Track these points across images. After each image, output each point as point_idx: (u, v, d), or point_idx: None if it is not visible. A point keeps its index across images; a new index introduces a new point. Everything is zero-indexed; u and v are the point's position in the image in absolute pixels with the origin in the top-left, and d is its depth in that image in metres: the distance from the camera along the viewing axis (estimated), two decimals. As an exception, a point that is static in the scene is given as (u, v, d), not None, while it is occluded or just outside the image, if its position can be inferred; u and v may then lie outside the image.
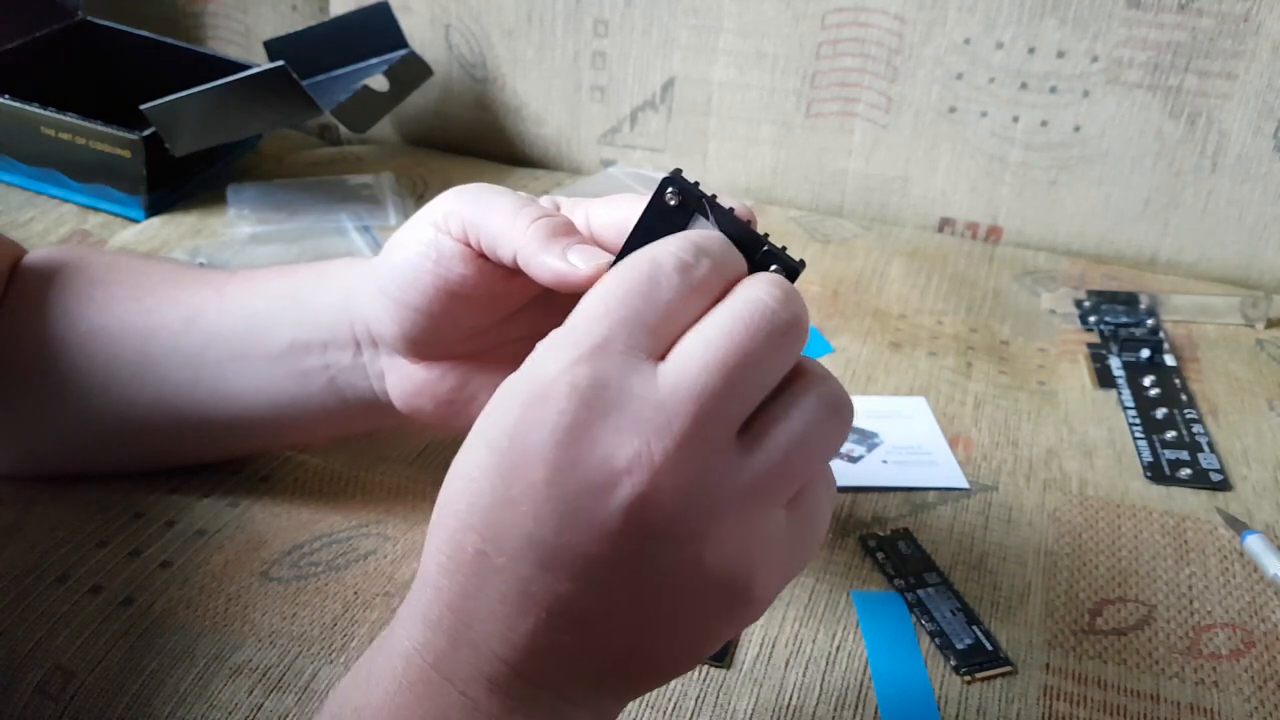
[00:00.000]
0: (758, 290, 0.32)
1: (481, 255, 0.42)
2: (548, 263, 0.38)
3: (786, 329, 0.32)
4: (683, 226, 0.36)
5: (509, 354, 0.46)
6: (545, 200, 0.42)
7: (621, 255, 0.36)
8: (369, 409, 0.49)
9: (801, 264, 0.35)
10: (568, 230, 0.39)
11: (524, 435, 0.31)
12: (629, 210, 0.38)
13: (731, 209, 0.36)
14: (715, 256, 0.33)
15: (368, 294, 0.45)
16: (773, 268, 0.35)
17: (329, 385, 0.48)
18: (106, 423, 0.51)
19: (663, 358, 0.32)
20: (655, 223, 0.36)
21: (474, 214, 0.41)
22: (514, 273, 0.41)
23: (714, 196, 0.37)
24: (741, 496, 0.31)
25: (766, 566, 0.33)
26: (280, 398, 0.49)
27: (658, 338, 0.32)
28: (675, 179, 0.36)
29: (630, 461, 0.30)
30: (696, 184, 0.36)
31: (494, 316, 0.45)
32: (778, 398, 0.32)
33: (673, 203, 0.36)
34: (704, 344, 0.31)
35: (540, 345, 0.32)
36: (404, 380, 0.47)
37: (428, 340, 0.45)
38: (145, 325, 0.50)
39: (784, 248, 0.36)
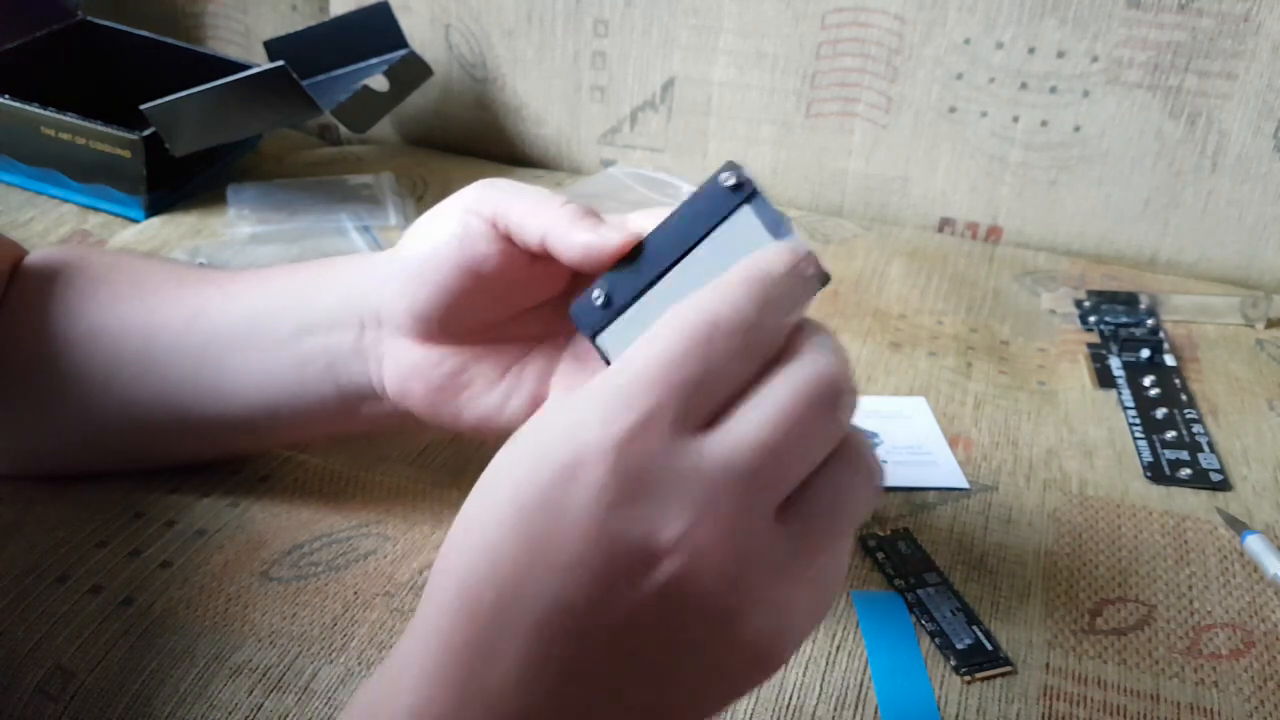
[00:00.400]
0: (819, 361, 0.31)
1: (507, 240, 0.42)
2: (577, 237, 0.38)
3: (843, 405, 0.31)
4: (726, 216, 0.36)
5: (513, 352, 0.46)
6: None
7: (659, 233, 0.37)
8: (362, 399, 0.49)
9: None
10: (596, 215, 0.40)
11: (559, 501, 0.29)
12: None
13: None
14: (778, 305, 0.31)
15: (384, 273, 0.46)
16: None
17: (326, 372, 0.48)
18: (107, 421, 0.51)
19: (711, 423, 0.30)
20: (703, 205, 0.37)
21: (504, 198, 0.42)
22: (536, 261, 0.42)
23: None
24: (779, 571, 0.31)
25: (792, 630, 0.32)
26: (277, 387, 0.49)
27: (712, 408, 0.30)
28: (736, 165, 0.36)
29: (673, 543, 0.29)
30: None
31: (507, 309, 0.46)
32: (821, 470, 0.31)
33: (728, 183, 0.36)
34: (759, 423, 0.30)
35: (579, 400, 0.30)
36: (402, 361, 0.47)
37: (437, 320, 0.45)
38: (148, 323, 0.50)
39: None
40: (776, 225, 0.37)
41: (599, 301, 0.38)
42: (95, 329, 0.50)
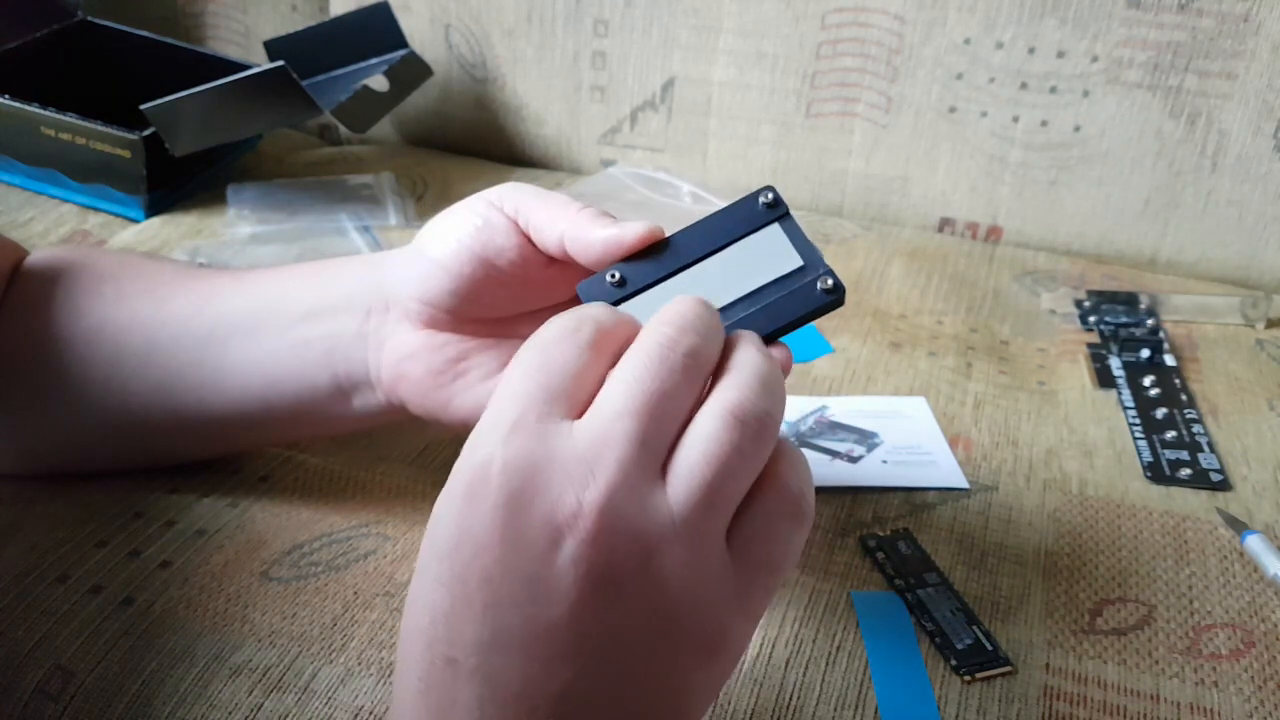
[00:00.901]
0: (656, 332, 0.34)
1: (527, 238, 0.43)
2: (597, 233, 0.40)
3: (687, 359, 0.33)
4: (755, 229, 0.40)
5: (515, 348, 0.46)
6: None
7: (684, 234, 0.40)
8: (356, 388, 0.49)
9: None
10: (615, 218, 0.41)
11: (467, 528, 0.32)
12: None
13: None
14: (599, 319, 0.35)
15: (400, 260, 0.47)
16: (830, 281, 0.40)
17: (324, 358, 0.48)
18: (106, 418, 0.51)
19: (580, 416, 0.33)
20: (734, 216, 0.41)
21: (527, 199, 0.43)
22: (553, 264, 0.43)
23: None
24: (679, 533, 0.32)
25: (730, 606, 0.33)
26: (274, 374, 0.49)
27: (571, 401, 0.33)
28: (774, 189, 0.41)
29: (568, 516, 0.31)
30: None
31: (517, 306, 0.46)
32: (691, 431, 0.33)
33: (765, 200, 0.40)
34: (612, 394, 0.33)
35: (468, 441, 0.33)
36: (403, 344, 0.47)
37: (446, 307, 0.45)
38: (156, 314, 0.51)
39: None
40: (805, 246, 0.39)
41: (612, 280, 0.39)
42: (100, 323, 0.51)
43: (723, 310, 0.39)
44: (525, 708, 0.31)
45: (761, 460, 0.33)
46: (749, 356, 0.35)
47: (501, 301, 0.46)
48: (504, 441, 0.32)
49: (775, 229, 0.40)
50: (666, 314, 0.35)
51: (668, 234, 0.41)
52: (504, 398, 0.33)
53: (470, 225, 0.44)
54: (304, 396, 0.50)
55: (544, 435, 0.32)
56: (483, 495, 0.31)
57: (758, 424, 0.33)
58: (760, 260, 0.40)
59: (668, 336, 0.34)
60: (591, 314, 0.35)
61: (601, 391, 0.33)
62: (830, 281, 0.40)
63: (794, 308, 0.40)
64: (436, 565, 0.32)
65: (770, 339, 0.39)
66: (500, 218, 0.44)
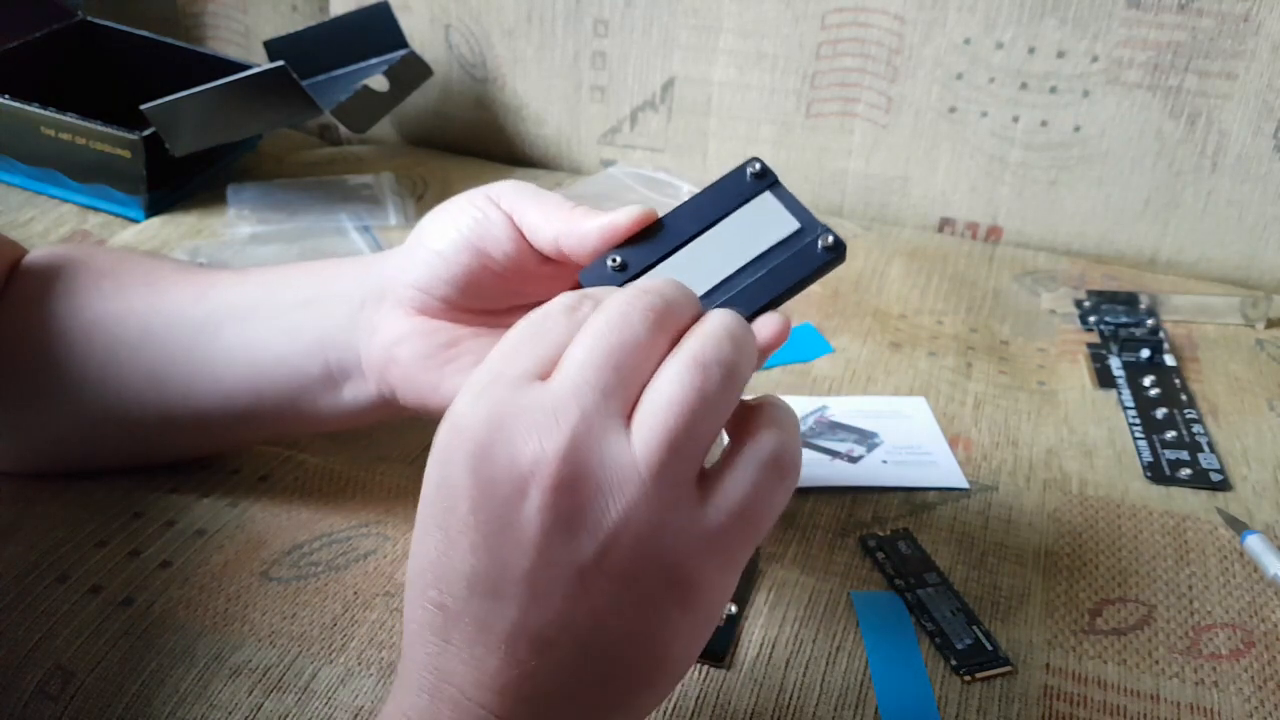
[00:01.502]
0: (620, 293, 0.36)
1: (522, 234, 0.44)
2: (590, 224, 0.41)
3: (650, 313, 0.35)
4: (747, 199, 0.41)
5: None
6: None
7: (677, 213, 0.40)
8: (347, 377, 0.48)
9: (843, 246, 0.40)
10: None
11: (445, 476, 0.34)
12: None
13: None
14: (597, 298, 0.36)
15: (397, 253, 0.47)
16: (830, 239, 0.40)
17: (315, 345, 0.48)
18: (102, 412, 0.51)
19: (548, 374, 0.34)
20: (725, 190, 0.41)
21: (523, 198, 0.44)
22: (548, 261, 0.44)
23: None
24: (641, 478, 0.33)
25: (701, 553, 0.34)
26: (266, 361, 0.49)
27: (544, 362, 0.34)
28: (760, 159, 0.41)
29: (531, 462, 0.32)
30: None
31: (511, 299, 0.47)
32: (654, 381, 0.34)
33: (753, 169, 0.41)
34: (575, 349, 0.34)
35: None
36: (394, 329, 0.47)
37: (440, 295, 0.46)
38: (154, 303, 0.51)
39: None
40: (799, 209, 0.39)
41: (613, 265, 0.40)
42: (98, 316, 0.51)
43: (727, 280, 0.40)
44: (510, 648, 0.33)
45: (728, 407, 0.34)
46: (718, 315, 0.36)
47: (497, 293, 0.46)
48: (477, 397, 0.34)
49: (768, 197, 0.41)
50: (634, 285, 0.36)
51: (661, 215, 0.41)
52: (488, 360, 0.35)
53: (468, 217, 0.45)
54: (294, 385, 0.49)
55: (515, 390, 0.33)
56: (456, 445, 0.33)
57: (721, 371, 0.34)
58: (758, 229, 0.41)
59: (630, 294, 0.35)
60: (591, 293, 0.37)
61: (567, 350, 0.34)
62: (831, 239, 0.40)
63: (798, 269, 0.40)
64: (422, 515, 0.35)
65: (777, 302, 0.39)
66: (497, 212, 0.44)
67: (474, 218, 0.45)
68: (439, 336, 0.46)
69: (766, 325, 0.38)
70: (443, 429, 0.34)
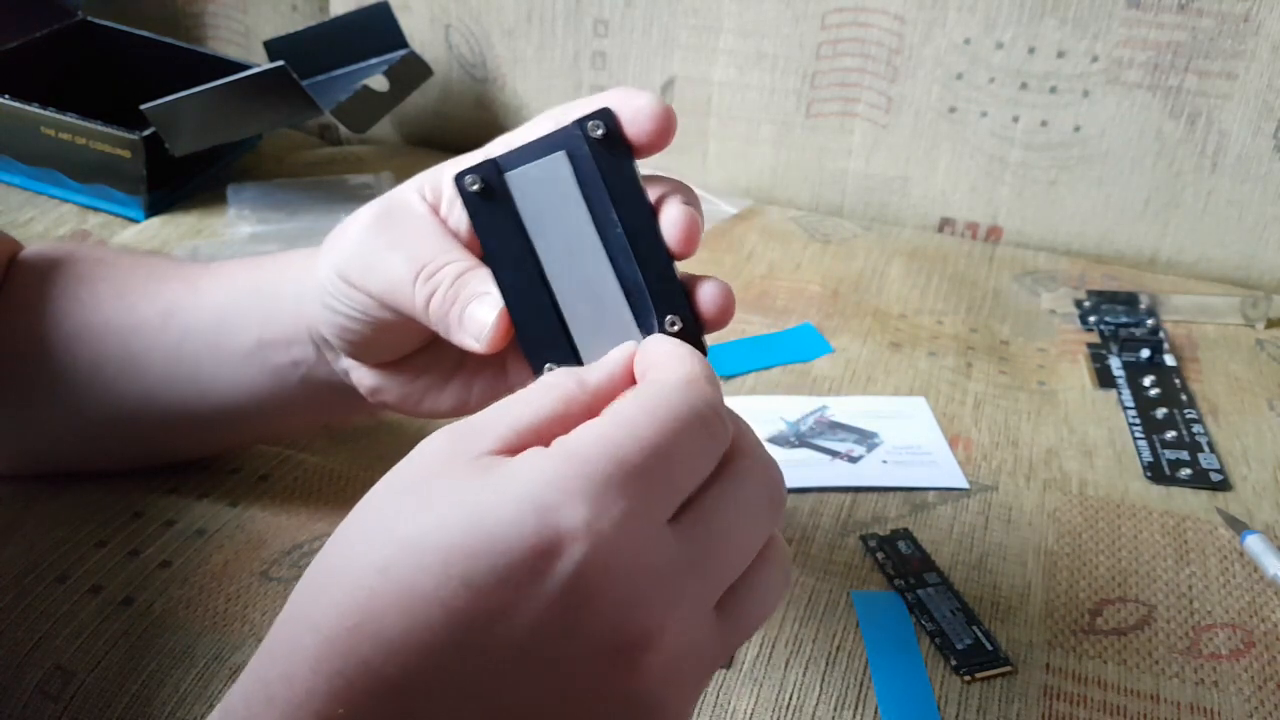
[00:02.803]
0: (766, 467, 0.32)
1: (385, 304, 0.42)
2: (464, 339, 0.38)
3: (780, 505, 0.32)
4: (576, 177, 0.34)
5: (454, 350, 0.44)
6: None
7: (502, 156, 0.34)
8: (347, 396, 0.48)
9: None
10: (454, 294, 0.38)
11: (519, 586, 0.28)
12: (613, 92, 0.37)
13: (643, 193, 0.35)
14: (726, 433, 0.32)
15: (316, 299, 0.44)
16: (592, 125, 0.34)
17: (304, 381, 0.48)
18: (97, 418, 0.51)
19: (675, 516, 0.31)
20: (555, 148, 0.35)
21: (372, 278, 0.41)
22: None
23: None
24: (710, 660, 0.31)
25: (688, 680, 0.31)
26: (258, 391, 0.49)
27: (677, 499, 0.30)
28: (607, 113, 0.35)
29: (644, 635, 0.29)
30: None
31: (422, 338, 0.45)
32: (753, 569, 0.32)
33: (597, 134, 0.34)
34: (722, 519, 0.30)
35: (540, 472, 0.29)
36: (364, 378, 0.46)
37: (372, 353, 0.45)
38: (127, 322, 0.50)
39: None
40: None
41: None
42: (79, 328, 0.50)
43: (611, 284, 0.36)
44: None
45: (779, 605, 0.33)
46: (757, 485, 0.32)
47: (417, 337, 0.44)
48: (613, 528, 0.28)
49: (584, 189, 0.35)
50: (772, 466, 0.33)
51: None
52: (632, 463, 0.29)
53: (326, 313, 0.43)
54: (297, 405, 0.50)
55: (651, 541, 0.29)
56: (554, 570, 0.27)
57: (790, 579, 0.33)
58: (560, 202, 0.35)
59: (774, 486, 0.32)
60: (724, 423, 0.31)
61: (710, 507, 0.30)
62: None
63: (625, 189, 0.35)
64: (456, 582, 0.28)
65: (658, 250, 0.36)
66: (356, 294, 0.42)
67: (331, 308, 0.42)
68: (404, 376, 0.45)
69: (713, 301, 0.36)
70: (532, 517, 0.28)
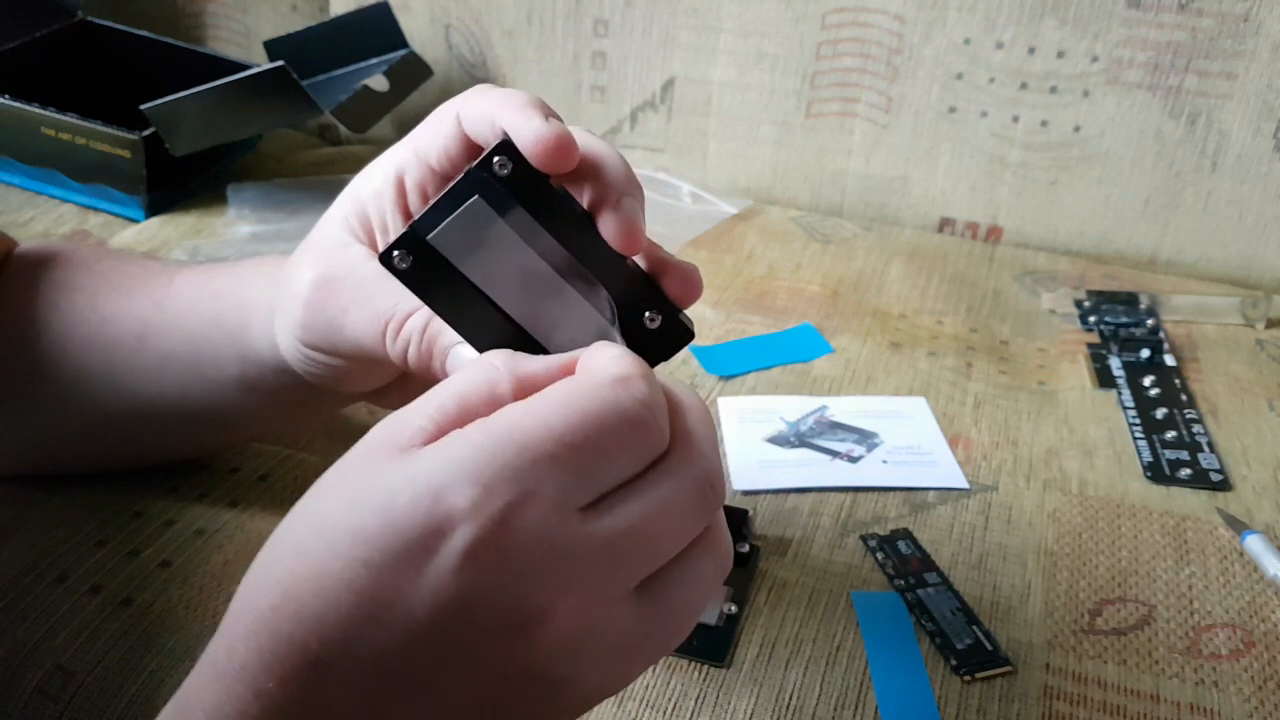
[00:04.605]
0: (701, 459, 0.32)
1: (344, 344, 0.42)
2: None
3: (715, 499, 0.32)
4: (499, 215, 0.33)
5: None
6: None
7: (418, 221, 0.33)
8: (341, 397, 0.49)
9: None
10: (428, 347, 0.39)
11: (415, 564, 0.29)
12: (495, 103, 0.36)
13: (573, 204, 0.34)
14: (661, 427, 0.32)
15: (288, 349, 0.44)
16: (496, 163, 0.33)
17: (296, 391, 0.47)
18: (87, 421, 0.51)
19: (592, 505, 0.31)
20: (467, 195, 0.33)
21: (333, 343, 0.42)
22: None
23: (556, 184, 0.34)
24: (625, 648, 0.31)
25: (603, 692, 0.32)
26: (249, 405, 0.49)
27: (594, 491, 0.30)
28: (508, 145, 0.33)
29: (534, 613, 0.29)
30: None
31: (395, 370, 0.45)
32: (683, 556, 0.32)
33: (503, 173, 0.33)
34: (638, 510, 0.31)
35: (442, 457, 0.30)
36: (347, 396, 0.47)
37: (356, 385, 0.45)
38: (104, 338, 0.50)
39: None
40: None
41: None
42: (61, 339, 0.50)
43: (572, 300, 0.35)
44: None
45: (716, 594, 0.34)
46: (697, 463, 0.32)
47: (382, 373, 0.45)
48: (503, 512, 0.28)
49: (519, 224, 0.34)
50: (709, 457, 0.32)
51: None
52: (529, 450, 0.29)
53: (301, 364, 0.44)
54: (292, 407, 0.50)
55: (549, 525, 0.29)
56: (444, 549, 0.28)
57: (730, 564, 0.33)
58: (489, 240, 0.34)
59: (705, 479, 0.32)
60: (657, 424, 0.31)
61: (628, 498, 0.30)
62: (499, 162, 0.33)
63: (559, 217, 0.34)
64: (358, 564, 0.29)
65: (600, 254, 0.34)
66: (314, 361, 0.43)
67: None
68: (392, 390, 0.46)
69: (680, 284, 0.36)
70: (426, 502, 0.29)
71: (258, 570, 0.31)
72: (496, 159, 0.33)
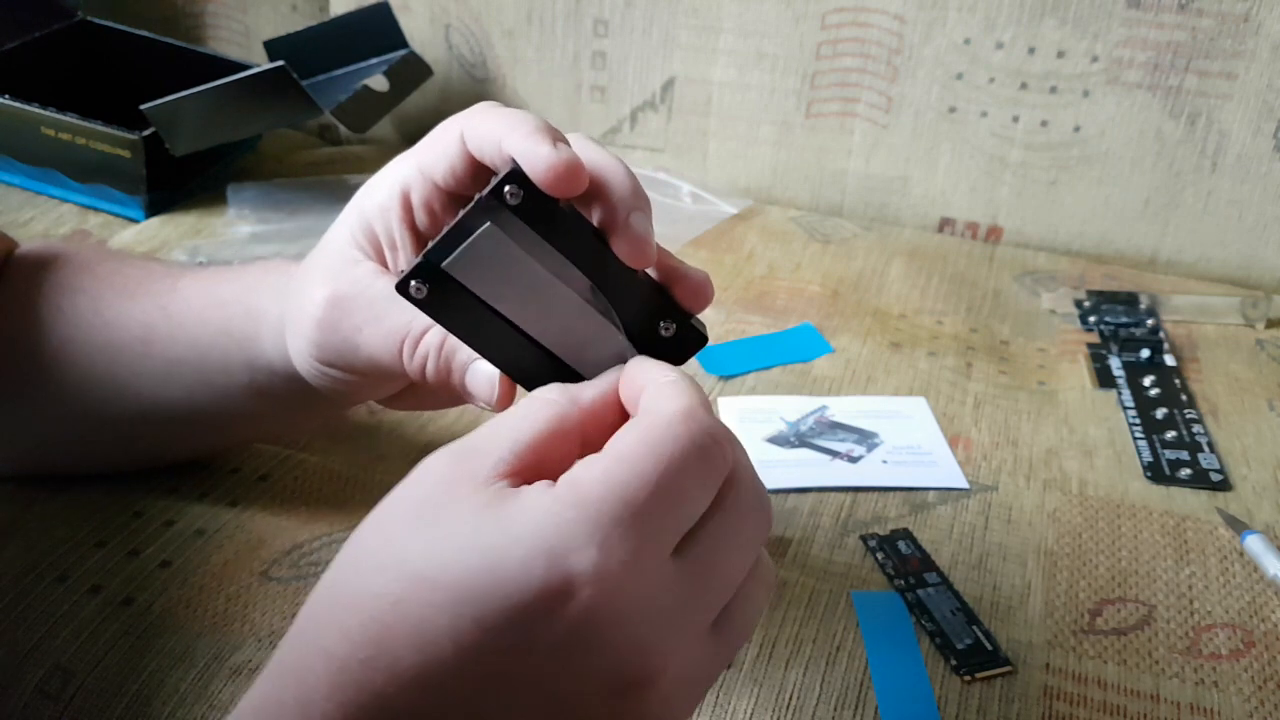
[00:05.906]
0: (757, 500, 0.33)
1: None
2: (471, 402, 0.40)
3: (766, 531, 0.33)
4: (512, 240, 0.33)
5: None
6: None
7: (432, 250, 0.34)
8: (346, 398, 0.49)
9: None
10: (446, 364, 0.40)
11: (532, 628, 0.29)
12: (502, 127, 0.36)
13: (590, 229, 0.35)
14: (725, 463, 0.32)
15: (301, 363, 0.44)
16: (507, 189, 0.33)
17: (304, 396, 0.47)
18: (89, 424, 0.51)
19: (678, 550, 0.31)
20: (480, 223, 0.33)
21: (348, 361, 0.42)
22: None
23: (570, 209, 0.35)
24: (706, 677, 0.32)
25: (686, 699, 0.32)
26: (255, 408, 0.49)
27: (679, 534, 0.31)
28: (518, 174, 0.33)
29: (654, 670, 0.30)
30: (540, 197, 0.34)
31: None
32: (744, 587, 0.32)
33: (514, 202, 0.33)
34: (722, 552, 0.31)
35: (552, 514, 0.29)
36: (356, 399, 0.47)
37: (366, 396, 0.45)
38: (107, 341, 0.50)
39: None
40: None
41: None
42: (64, 341, 0.50)
43: (594, 323, 0.35)
44: None
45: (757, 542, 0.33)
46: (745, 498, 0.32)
47: (390, 384, 0.45)
48: (623, 568, 0.28)
49: (538, 244, 0.34)
50: (763, 499, 0.33)
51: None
52: (639, 501, 0.29)
53: (315, 377, 0.44)
54: (297, 410, 0.50)
55: (660, 576, 0.29)
56: (566, 611, 0.28)
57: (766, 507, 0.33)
58: (501, 263, 0.34)
59: (765, 521, 0.33)
60: (724, 453, 0.31)
61: (709, 541, 0.31)
62: (510, 191, 0.33)
63: (580, 246, 0.34)
64: (468, 623, 0.28)
65: (625, 278, 0.35)
66: (329, 377, 0.43)
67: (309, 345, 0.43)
68: (400, 398, 0.46)
69: (693, 292, 0.36)
70: (543, 558, 0.28)
71: (328, 615, 0.30)
72: (508, 188, 0.34)
